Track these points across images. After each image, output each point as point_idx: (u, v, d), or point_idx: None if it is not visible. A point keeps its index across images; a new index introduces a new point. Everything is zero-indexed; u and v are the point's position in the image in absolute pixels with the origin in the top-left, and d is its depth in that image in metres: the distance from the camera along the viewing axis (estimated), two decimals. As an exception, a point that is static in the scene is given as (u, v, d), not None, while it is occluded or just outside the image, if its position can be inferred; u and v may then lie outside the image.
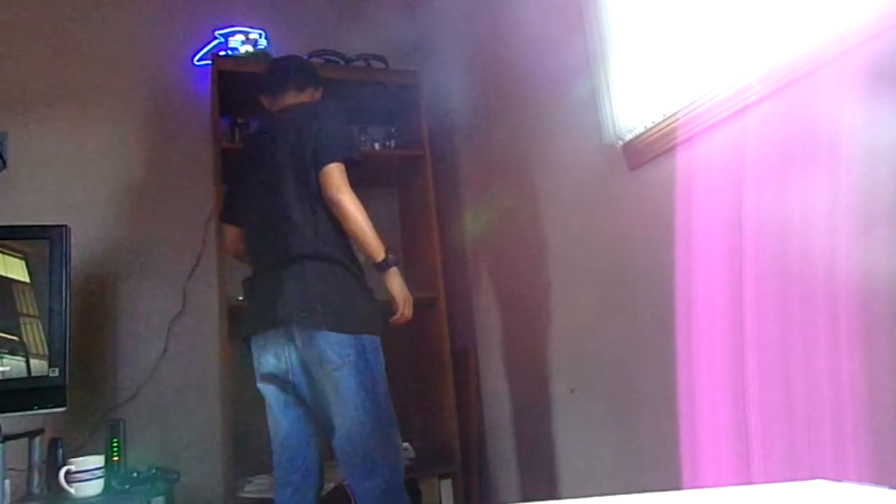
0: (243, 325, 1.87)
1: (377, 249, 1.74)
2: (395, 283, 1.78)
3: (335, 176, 1.73)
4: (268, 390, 1.80)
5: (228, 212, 2.02)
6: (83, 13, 2.64)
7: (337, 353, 1.65)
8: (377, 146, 2.80)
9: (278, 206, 1.77)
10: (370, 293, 1.79)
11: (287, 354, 1.73)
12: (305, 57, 2.66)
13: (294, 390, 1.77)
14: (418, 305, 1.95)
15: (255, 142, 1.98)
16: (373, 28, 2.76)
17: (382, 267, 1.76)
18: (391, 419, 1.73)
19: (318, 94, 2.03)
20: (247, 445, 2.27)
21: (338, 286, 1.71)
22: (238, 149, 2.25)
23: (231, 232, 2.01)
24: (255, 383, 1.82)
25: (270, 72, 2.04)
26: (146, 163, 2.63)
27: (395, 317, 1.80)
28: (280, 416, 1.78)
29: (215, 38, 2.69)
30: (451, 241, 2.74)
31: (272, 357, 1.76)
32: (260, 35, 2.70)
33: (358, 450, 1.68)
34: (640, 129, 1.66)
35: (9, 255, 1.70)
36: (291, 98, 1.96)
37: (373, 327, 1.73)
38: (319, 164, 1.74)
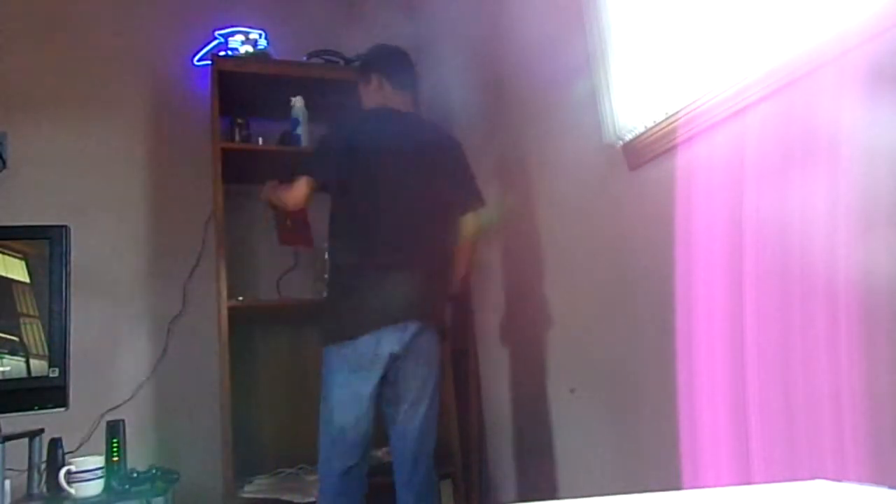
0: (350, 319, 1.90)
1: (461, 290, 2.22)
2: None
3: (477, 224, 2.12)
4: (359, 377, 1.87)
5: (325, 171, 1.97)
6: (83, 13, 2.64)
7: (437, 351, 1.99)
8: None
9: (419, 219, 1.98)
10: None
11: (391, 347, 1.87)
12: (304, 58, 2.67)
13: (379, 379, 1.90)
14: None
15: (382, 133, 1.99)
16: (373, 28, 2.75)
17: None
18: None
19: (414, 97, 2.17)
20: (247, 445, 2.27)
21: (445, 295, 2.09)
22: (334, 129, 2.12)
23: (310, 188, 1.94)
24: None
25: (401, 61, 2.15)
26: (146, 163, 2.63)
27: None
28: (371, 397, 1.89)
29: (215, 38, 2.69)
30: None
31: (383, 347, 1.87)
32: (260, 35, 2.70)
33: (424, 435, 1.94)
34: (640, 129, 1.66)
35: (9, 255, 1.70)
36: (409, 98, 2.13)
37: None
38: (469, 206, 2.10)
